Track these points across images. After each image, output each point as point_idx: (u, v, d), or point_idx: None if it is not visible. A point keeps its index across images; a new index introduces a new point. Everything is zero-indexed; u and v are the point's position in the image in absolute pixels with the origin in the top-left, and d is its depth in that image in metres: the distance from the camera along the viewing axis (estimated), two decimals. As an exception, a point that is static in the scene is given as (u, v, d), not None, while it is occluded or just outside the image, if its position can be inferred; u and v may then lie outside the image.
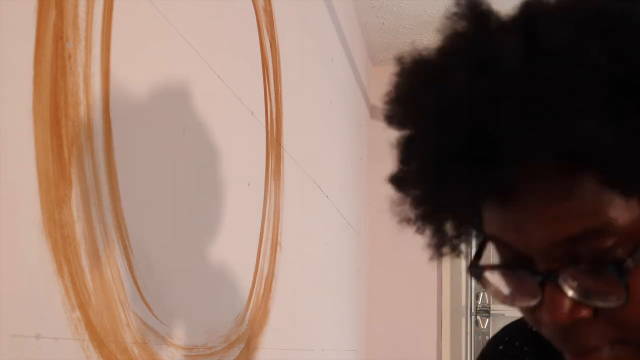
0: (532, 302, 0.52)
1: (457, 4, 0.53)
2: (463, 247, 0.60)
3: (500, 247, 0.54)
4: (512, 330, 0.73)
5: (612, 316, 0.50)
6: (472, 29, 0.53)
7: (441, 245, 0.59)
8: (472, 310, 2.86)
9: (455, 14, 0.53)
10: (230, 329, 1.28)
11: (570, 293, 0.50)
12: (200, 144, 1.17)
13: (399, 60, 0.56)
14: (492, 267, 0.54)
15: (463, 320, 2.92)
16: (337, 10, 2.33)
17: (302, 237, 1.86)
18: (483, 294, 2.96)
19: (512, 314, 2.65)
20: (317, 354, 2.03)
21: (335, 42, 2.34)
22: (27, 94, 0.72)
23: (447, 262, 3.04)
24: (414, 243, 2.48)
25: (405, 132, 0.57)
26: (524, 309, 0.54)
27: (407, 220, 0.58)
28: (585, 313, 0.50)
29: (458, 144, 0.51)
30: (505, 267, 0.54)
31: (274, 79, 1.57)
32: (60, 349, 0.76)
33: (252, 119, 1.43)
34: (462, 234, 0.59)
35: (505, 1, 0.57)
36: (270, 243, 1.53)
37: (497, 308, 2.97)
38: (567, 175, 0.48)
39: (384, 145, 2.60)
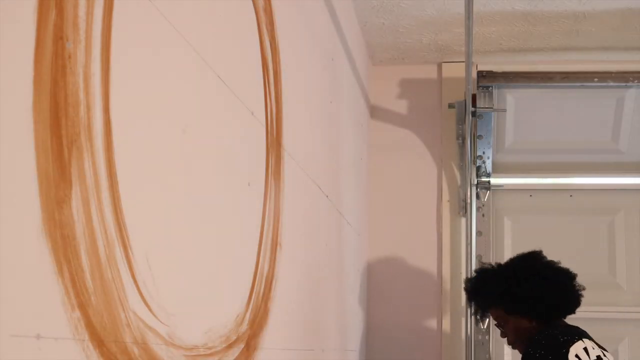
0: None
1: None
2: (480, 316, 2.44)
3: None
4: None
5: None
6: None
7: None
8: (472, 310, 2.85)
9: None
10: (230, 329, 1.28)
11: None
12: (200, 144, 1.17)
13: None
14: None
15: (463, 320, 2.92)
16: (337, 10, 2.33)
17: (302, 237, 1.86)
18: (483, 294, 2.96)
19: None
20: (317, 354, 2.03)
21: (335, 42, 2.34)
22: (27, 94, 0.72)
23: (447, 262, 3.04)
24: (414, 243, 2.48)
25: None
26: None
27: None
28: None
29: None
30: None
31: (274, 79, 1.57)
32: (60, 349, 0.77)
33: (252, 119, 1.43)
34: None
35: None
36: (270, 243, 1.53)
37: (497, 308, 2.96)
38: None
39: (384, 145, 2.62)
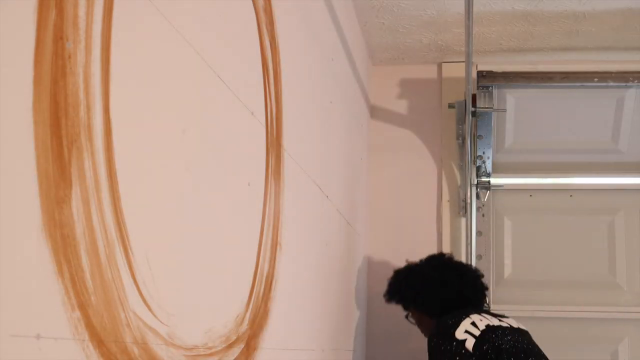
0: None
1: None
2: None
3: None
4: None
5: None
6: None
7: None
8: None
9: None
10: (230, 329, 1.28)
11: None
12: (200, 144, 1.17)
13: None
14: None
15: (463, 320, 2.92)
16: (337, 10, 2.33)
17: (302, 237, 1.86)
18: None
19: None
20: (317, 354, 2.03)
21: (335, 42, 2.34)
22: (27, 94, 0.72)
23: (447, 262, 3.04)
24: (414, 243, 2.48)
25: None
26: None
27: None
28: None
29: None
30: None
31: (274, 79, 1.57)
32: (60, 349, 0.77)
33: (252, 119, 1.43)
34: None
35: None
36: (270, 243, 1.53)
37: (496, 308, 2.96)
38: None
39: (384, 145, 2.61)
